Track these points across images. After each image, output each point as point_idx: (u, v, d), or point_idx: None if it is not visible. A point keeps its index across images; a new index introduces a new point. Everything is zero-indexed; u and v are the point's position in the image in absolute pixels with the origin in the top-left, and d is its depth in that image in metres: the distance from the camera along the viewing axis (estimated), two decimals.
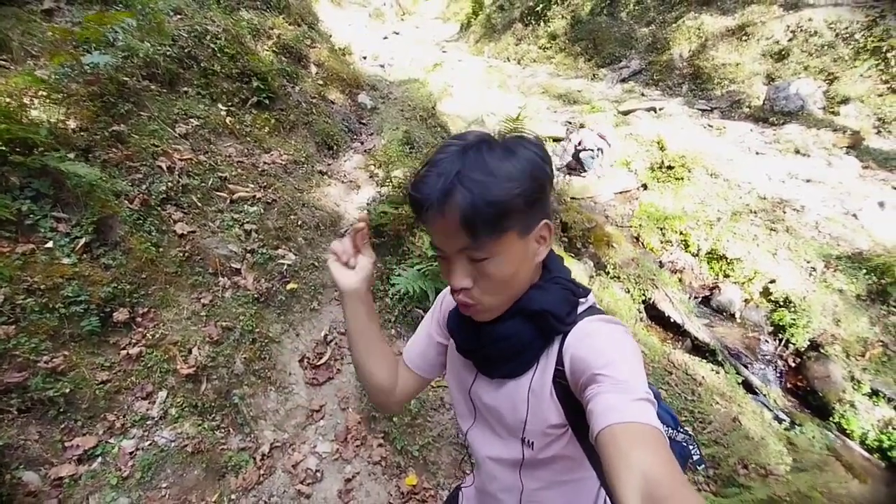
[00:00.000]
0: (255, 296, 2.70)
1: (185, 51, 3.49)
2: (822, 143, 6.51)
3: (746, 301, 3.98)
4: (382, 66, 11.11)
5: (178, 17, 3.75)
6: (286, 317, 2.80)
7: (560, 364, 0.69)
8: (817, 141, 6.57)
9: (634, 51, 11.37)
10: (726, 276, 4.18)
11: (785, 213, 4.61)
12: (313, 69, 5.32)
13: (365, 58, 10.76)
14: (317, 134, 4.38)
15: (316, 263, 3.17)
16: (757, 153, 6.35)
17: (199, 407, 2.18)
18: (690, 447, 0.90)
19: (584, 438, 0.67)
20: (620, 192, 6.25)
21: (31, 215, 2.09)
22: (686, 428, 0.93)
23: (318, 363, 2.66)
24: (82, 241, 2.17)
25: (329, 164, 4.27)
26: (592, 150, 6.28)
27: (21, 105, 2.22)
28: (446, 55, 14.14)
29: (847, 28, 8.30)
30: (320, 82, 5.26)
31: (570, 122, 8.55)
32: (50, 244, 2.07)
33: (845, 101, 7.52)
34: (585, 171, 6.56)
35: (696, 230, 4.59)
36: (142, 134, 2.85)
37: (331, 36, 7.40)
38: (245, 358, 2.41)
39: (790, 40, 8.96)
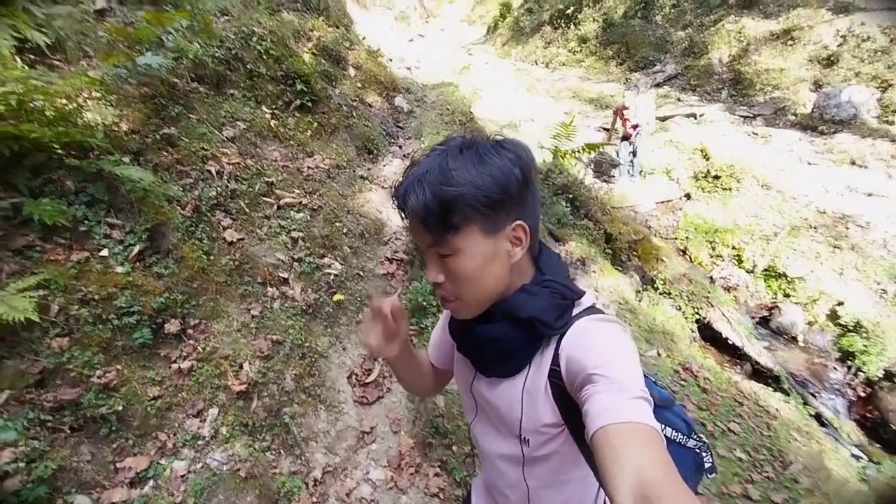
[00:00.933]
0: (303, 307, 2.59)
1: (232, 52, 3.43)
2: (880, 154, 6.15)
3: (810, 323, 3.73)
4: (409, 69, 11.03)
5: (226, 18, 3.70)
6: (333, 330, 2.69)
7: (556, 364, 0.69)
8: (874, 151, 6.21)
9: (669, 55, 11.05)
10: (786, 295, 3.92)
11: (848, 228, 4.33)
12: (351, 71, 5.24)
13: (391, 60, 10.69)
14: (357, 138, 4.29)
15: (361, 273, 3.06)
16: (809, 163, 6.03)
17: (250, 426, 2.07)
18: (703, 454, 0.90)
19: (582, 438, 0.63)
20: (662, 202, 6.01)
21: (86, 221, 2.02)
22: (701, 435, 0.91)
23: (367, 381, 2.53)
24: (136, 248, 2.09)
25: (369, 169, 4.16)
26: (641, 128, 5.92)
27: (77, 107, 2.16)
28: (473, 58, 14.03)
29: None
30: (358, 85, 5.18)
31: (604, 130, 8.25)
32: (104, 252, 1.99)
33: None
34: (631, 175, 6.30)
35: (750, 245, 4.34)
36: (191, 137, 2.78)
37: (364, 38, 7.35)
38: (295, 374, 2.30)
39: (840, 45, 8.56)
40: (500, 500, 0.90)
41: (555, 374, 0.69)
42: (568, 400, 0.67)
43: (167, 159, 2.57)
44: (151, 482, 1.77)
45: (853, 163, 5.96)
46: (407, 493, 2.08)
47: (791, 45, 9.05)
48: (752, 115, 8.39)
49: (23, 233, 1.86)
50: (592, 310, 0.73)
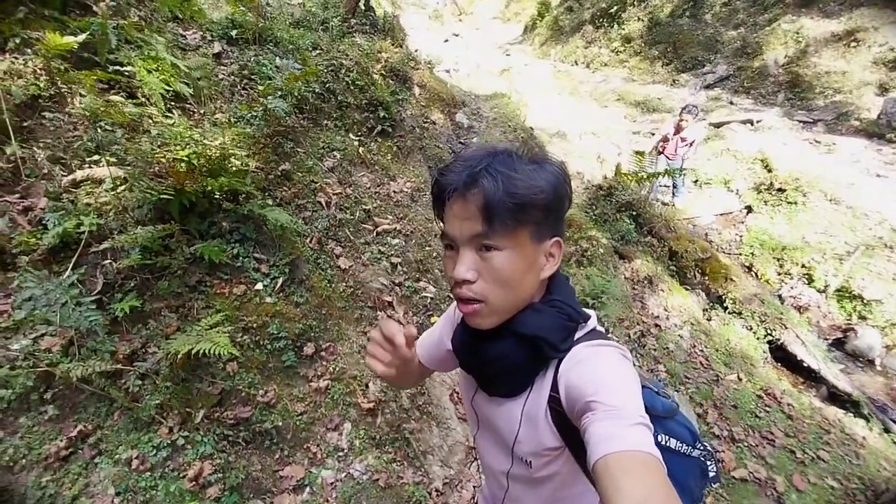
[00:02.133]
0: None
1: (325, 86, 3.70)
2: None
3: (888, 347, 3.71)
4: (448, 72, 11.16)
5: (317, 51, 3.97)
6: None
7: (555, 391, 0.69)
8: None
9: (720, 55, 10.76)
10: (862, 317, 3.90)
11: None
12: (416, 90, 5.46)
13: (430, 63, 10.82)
14: (430, 158, 4.51)
15: (451, 296, 3.28)
16: (878, 175, 5.86)
17: (377, 440, 2.33)
18: (708, 463, 0.89)
19: (583, 458, 0.63)
20: (721, 215, 5.98)
21: (240, 257, 2.31)
22: (706, 443, 0.91)
23: None
24: (280, 281, 2.37)
25: None
26: (689, 147, 5.69)
27: (227, 155, 2.44)
28: (511, 59, 14.03)
29: None
30: (423, 103, 5.40)
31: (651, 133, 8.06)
32: (259, 286, 2.28)
33: None
34: (675, 195, 6.21)
35: (822, 264, 4.32)
36: (302, 171, 3.06)
37: (416, 50, 7.55)
38: (410, 393, 2.54)
39: None
40: None
41: (554, 401, 0.69)
42: (568, 424, 0.67)
43: (286, 193, 2.86)
44: (308, 489, 2.05)
45: None
46: None
47: (854, 46, 8.69)
48: (811, 121, 8.13)
49: (195, 270, 2.16)
50: (594, 333, 0.74)
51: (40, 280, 1.66)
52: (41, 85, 2.17)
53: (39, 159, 1.97)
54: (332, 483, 2.09)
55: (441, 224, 0.71)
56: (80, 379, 1.67)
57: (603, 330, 0.78)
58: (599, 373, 0.64)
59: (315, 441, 2.20)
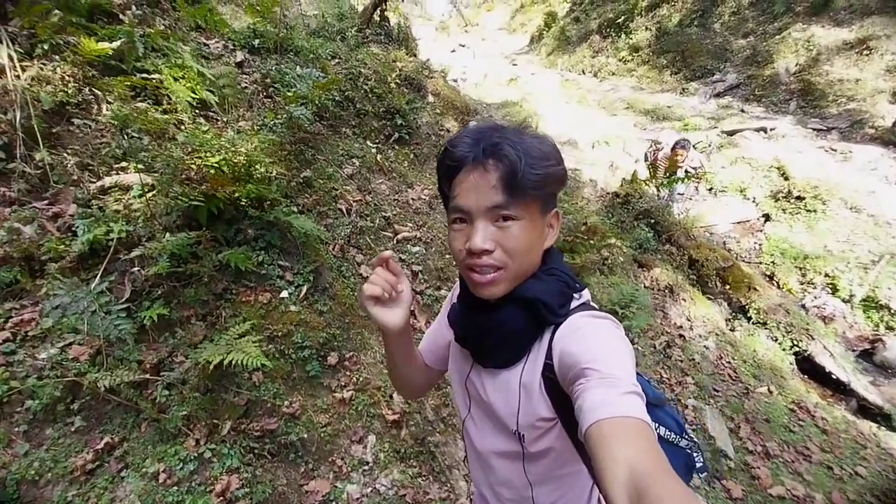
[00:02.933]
0: None
1: (344, 94, 3.70)
2: None
3: None
4: (456, 81, 11.23)
5: (336, 60, 3.98)
6: None
7: (549, 358, 0.69)
8: None
9: (730, 63, 10.76)
10: (890, 328, 3.80)
11: None
12: (430, 98, 5.46)
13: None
14: None
15: None
16: None
17: (401, 453, 2.27)
18: (694, 454, 0.90)
19: (574, 434, 0.63)
20: (738, 223, 5.91)
21: (264, 265, 2.28)
22: (692, 435, 0.92)
23: None
24: (304, 288, 2.33)
25: None
26: (695, 169, 5.67)
27: (253, 162, 2.43)
28: (518, 69, 14.11)
29: None
30: (437, 111, 5.39)
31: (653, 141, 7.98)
32: (284, 294, 2.24)
33: None
34: (671, 200, 6.11)
35: (846, 273, 4.23)
36: (322, 177, 3.04)
37: (428, 59, 7.60)
38: (433, 405, 2.49)
39: None
40: (492, 500, 0.88)
41: (548, 369, 0.69)
42: (561, 396, 0.67)
43: (308, 200, 2.84)
44: None
45: None
46: None
47: (867, 54, 8.65)
48: (825, 129, 8.07)
49: (221, 278, 2.13)
50: (587, 305, 0.75)
51: (69, 287, 1.63)
52: (69, 91, 2.16)
53: (68, 166, 1.95)
54: (357, 499, 2.03)
55: (451, 197, 0.70)
56: (108, 389, 1.63)
57: (596, 305, 0.77)
58: (595, 342, 0.65)
59: (339, 454, 2.14)
